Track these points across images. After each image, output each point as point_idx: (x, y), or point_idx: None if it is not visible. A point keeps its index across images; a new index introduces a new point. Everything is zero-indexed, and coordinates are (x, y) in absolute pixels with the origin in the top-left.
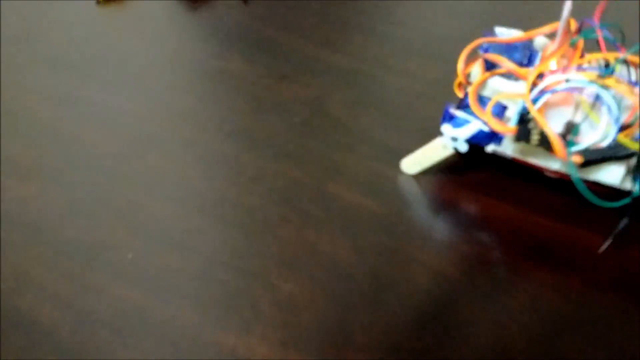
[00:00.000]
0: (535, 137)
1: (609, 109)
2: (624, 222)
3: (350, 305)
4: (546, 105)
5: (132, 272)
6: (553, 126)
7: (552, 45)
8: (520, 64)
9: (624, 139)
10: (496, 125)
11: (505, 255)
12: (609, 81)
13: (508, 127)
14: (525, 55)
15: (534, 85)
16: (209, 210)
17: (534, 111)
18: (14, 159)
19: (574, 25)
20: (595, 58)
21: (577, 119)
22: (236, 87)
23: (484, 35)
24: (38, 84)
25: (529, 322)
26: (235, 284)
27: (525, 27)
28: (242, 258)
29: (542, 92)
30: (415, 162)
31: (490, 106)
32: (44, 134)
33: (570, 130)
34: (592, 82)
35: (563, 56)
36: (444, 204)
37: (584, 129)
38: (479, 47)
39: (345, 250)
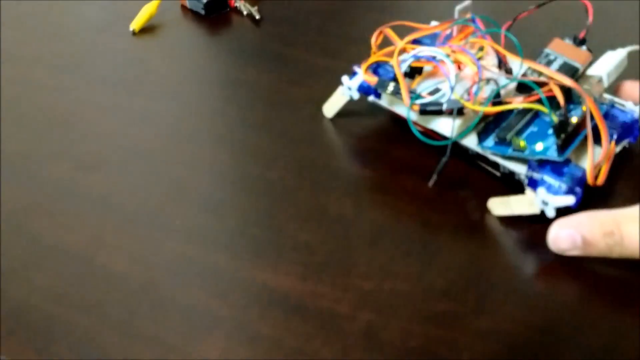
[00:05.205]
0: (389, 88)
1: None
2: (442, 160)
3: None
4: (428, 75)
5: None
6: (424, 88)
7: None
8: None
9: (458, 97)
10: (366, 77)
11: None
12: (457, 55)
13: (372, 78)
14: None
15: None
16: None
17: (396, 68)
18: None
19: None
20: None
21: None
22: (252, 91)
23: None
24: (90, 98)
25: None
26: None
27: None
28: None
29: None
30: (328, 108)
31: (368, 63)
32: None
33: (435, 92)
34: (438, 52)
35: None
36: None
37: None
38: None
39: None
